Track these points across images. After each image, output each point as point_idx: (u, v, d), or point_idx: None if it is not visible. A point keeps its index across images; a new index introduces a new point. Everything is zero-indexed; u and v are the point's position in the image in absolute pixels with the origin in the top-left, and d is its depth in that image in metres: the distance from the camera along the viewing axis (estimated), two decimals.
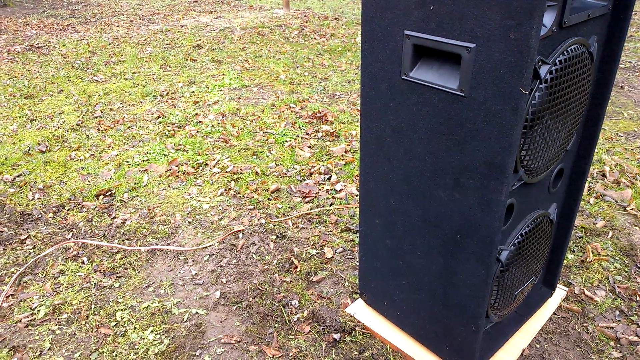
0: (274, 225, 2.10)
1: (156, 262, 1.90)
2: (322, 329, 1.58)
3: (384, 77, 1.21)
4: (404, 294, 1.46)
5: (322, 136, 2.98)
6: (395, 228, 1.38)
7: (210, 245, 1.98)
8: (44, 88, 3.93)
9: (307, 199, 2.30)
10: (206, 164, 2.64)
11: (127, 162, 2.68)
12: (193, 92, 3.81)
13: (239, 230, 2.06)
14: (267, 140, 2.94)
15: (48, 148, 2.87)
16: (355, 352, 1.49)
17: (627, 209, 2.19)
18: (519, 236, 1.29)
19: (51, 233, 2.09)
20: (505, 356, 1.47)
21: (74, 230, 2.11)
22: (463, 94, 1.04)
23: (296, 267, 1.86)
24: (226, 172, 2.56)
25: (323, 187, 2.40)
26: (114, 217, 2.18)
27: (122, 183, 2.45)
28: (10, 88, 3.94)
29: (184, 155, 2.74)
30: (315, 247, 1.97)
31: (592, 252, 1.93)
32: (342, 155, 2.73)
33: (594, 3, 1.15)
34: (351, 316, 1.62)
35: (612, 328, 1.59)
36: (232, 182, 2.44)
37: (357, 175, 2.51)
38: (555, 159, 1.27)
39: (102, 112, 3.44)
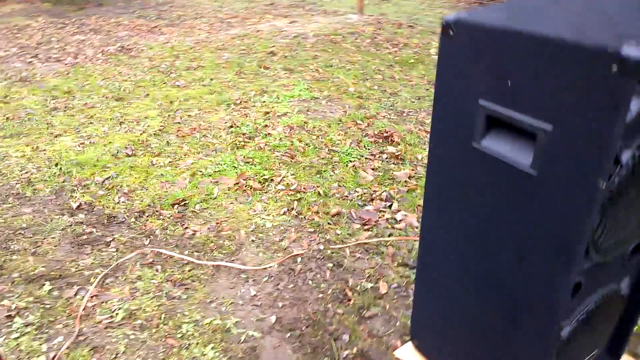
0: (332, 252, 2.17)
1: (220, 278, 2.03)
2: None
3: (454, 141, 1.23)
4: (456, 348, 1.48)
5: (386, 158, 3.01)
6: (453, 284, 1.40)
7: (270, 267, 2.09)
8: (132, 91, 4.25)
9: (366, 227, 2.35)
10: (272, 180, 2.76)
11: (201, 172, 2.86)
12: (264, 101, 3.96)
13: (298, 254, 2.15)
14: (331, 158, 3.01)
15: (133, 152, 3.12)
16: None
17: None
18: (585, 313, 1.27)
19: (132, 238, 2.29)
20: None
21: (151, 237, 2.30)
22: (535, 174, 1.04)
23: (350, 300, 1.92)
24: (290, 189, 2.66)
25: (383, 215, 2.43)
26: (186, 228, 2.35)
27: (195, 194, 2.63)
28: (104, 89, 4.30)
29: (252, 168, 2.88)
30: (371, 281, 2.01)
31: None
32: (405, 182, 2.74)
33: None
34: None
35: None
36: (295, 202, 2.54)
37: (418, 205, 2.52)
38: (632, 238, 1.23)
39: (181, 118, 3.67)
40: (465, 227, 1.29)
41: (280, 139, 3.29)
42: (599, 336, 1.43)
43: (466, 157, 1.21)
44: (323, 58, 5.10)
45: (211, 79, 4.53)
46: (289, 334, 1.76)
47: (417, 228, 2.36)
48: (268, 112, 3.74)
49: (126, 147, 3.20)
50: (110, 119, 3.69)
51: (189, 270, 2.07)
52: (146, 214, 2.48)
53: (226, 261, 2.12)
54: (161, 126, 3.54)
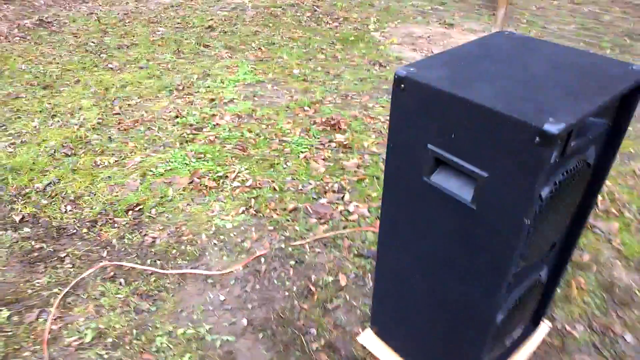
0: (293, 250, 2.31)
1: (187, 285, 2.11)
2: (338, 358, 1.82)
3: (405, 176, 1.37)
4: (412, 337, 1.69)
5: (335, 147, 3.14)
6: (408, 289, 1.59)
7: (235, 270, 2.19)
8: (61, 76, 4.01)
9: (322, 221, 2.50)
10: (226, 177, 2.81)
11: (151, 171, 2.84)
12: (208, 87, 3.91)
13: (262, 255, 2.27)
14: (283, 149, 3.09)
15: (73, 151, 3.02)
16: None
17: (612, 242, 2.40)
18: (515, 301, 1.50)
19: (88, 250, 2.29)
20: None
21: (108, 248, 2.31)
22: (474, 208, 1.22)
23: (314, 294, 2.08)
24: (246, 186, 2.73)
25: (337, 208, 2.59)
26: (145, 235, 2.38)
27: (148, 197, 2.64)
28: (27, 75, 4.02)
29: (204, 165, 2.90)
30: (331, 274, 2.18)
31: (577, 287, 2.15)
32: (354, 171, 2.90)
33: (595, 122, 1.30)
34: (363, 347, 1.85)
35: None
36: (252, 200, 2.62)
37: (368, 195, 2.70)
38: (550, 242, 1.46)
39: (120, 108, 3.56)
40: (415, 248, 1.47)
41: (230, 129, 3.30)
42: (525, 314, 1.70)
43: (417, 189, 1.36)
44: (264, 34, 5.03)
45: (148, 60, 4.36)
46: (261, 335, 1.90)
47: (368, 218, 2.54)
48: (214, 99, 3.71)
49: (63, 146, 3.08)
50: (40, 111, 3.50)
51: (154, 281, 2.13)
52: (99, 223, 2.47)
53: (191, 268, 2.20)
54: (99, 119, 3.42)
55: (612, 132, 1.38)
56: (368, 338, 1.88)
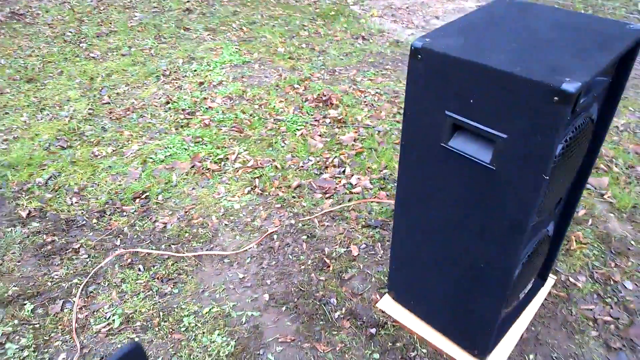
0: (303, 225, 2.37)
1: (204, 267, 2.16)
2: (360, 324, 1.91)
3: (423, 142, 1.44)
4: (430, 297, 1.78)
5: (330, 123, 3.18)
6: (426, 252, 1.67)
7: (250, 248, 2.25)
8: (43, 69, 3.92)
9: (327, 195, 2.56)
10: (227, 159, 2.84)
11: (151, 158, 2.85)
12: (195, 70, 3.88)
13: (273, 232, 2.33)
14: (279, 128, 3.12)
15: (68, 144, 3.00)
16: (390, 344, 1.84)
17: (604, 196, 2.53)
18: (527, 257, 1.60)
19: (101, 240, 2.31)
20: (509, 341, 1.83)
21: (120, 236, 2.33)
22: (494, 168, 1.29)
23: (329, 266, 2.16)
24: (247, 167, 2.77)
25: (340, 182, 2.65)
26: (155, 221, 2.41)
27: (153, 183, 2.65)
28: (8, 69, 3.92)
29: (204, 149, 2.92)
30: (343, 246, 2.26)
31: (575, 241, 2.28)
32: (352, 145, 2.95)
33: (599, 81, 1.38)
34: (382, 311, 1.95)
35: (591, 310, 1.97)
36: (256, 180, 2.66)
37: (368, 168, 2.76)
38: (558, 197, 1.55)
39: (109, 97, 3.52)
40: (434, 211, 1.54)
41: (223, 112, 3.31)
42: (534, 268, 1.81)
43: (435, 154, 1.43)
44: (244, 14, 4.97)
45: (129, 47, 4.29)
46: (284, 308, 1.97)
47: (371, 190, 2.61)
48: (202, 83, 3.69)
49: (57, 139, 3.05)
50: (27, 105, 3.44)
51: (172, 265, 2.17)
52: (107, 213, 2.48)
53: (206, 250, 2.25)
54: (89, 109, 3.38)
55: (612, 89, 1.46)
56: (387, 303, 1.97)
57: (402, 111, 3.31)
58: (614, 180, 2.64)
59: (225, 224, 2.38)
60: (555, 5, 5.16)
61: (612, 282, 2.08)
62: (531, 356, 1.80)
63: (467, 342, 1.75)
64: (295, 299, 2.01)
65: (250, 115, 3.27)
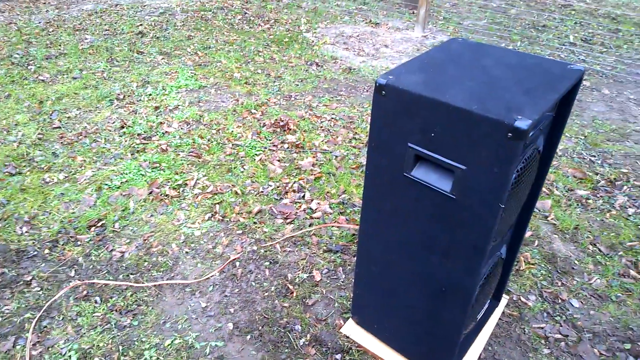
0: (265, 251, 2.38)
1: (165, 297, 2.12)
2: (325, 350, 1.92)
3: (387, 171, 1.51)
4: (394, 321, 1.84)
5: (288, 148, 3.23)
6: (390, 275, 1.73)
7: (212, 276, 2.22)
8: None
9: (288, 220, 2.59)
10: (186, 184, 2.81)
11: (107, 185, 2.77)
12: (150, 94, 3.82)
13: (235, 259, 2.32)
14: (237, 153, 3.13)
15: (17, 170, 2.86)
16: None
17: (548, 218, 2.72)
18: (484, 278, 1.70)
19: (54, 272, 2.21)
20: None
21: (75, 267, 2.24)
22: (454, 197, 1.38)
23: (292, 292, 2.17)
24: (207, 192, 2.75)
25: (300, 207, 2.69)
26: (112, 250, 2.33)
27: (109, 211, 2.57)
28: None
29: (161, 174, 2.87)
30: (305, 271, 2.28)
31: (524, 262, 2.43)
32: (310, 170, 3.01)
33: (545, 116, 1.51)
34: (347, 337, 1.98)
35: (542, 328, 2.09)
36: (217, 205, 2.65)
37: (327, 192, 2.82)
38: (510, 224, 1.67)
39: (60, 121, 3.40)
40: (399, 234, 1.61)
41: (180, 136, 3.28)
42: (490, 290, 1.91)
43: (399, 183, 1.50)
44: (198, 38, 4.98)
45: (80, 70, 4.17)
46: (249, 336, 1.96)
47: (331, 214, 2.66)
48: (158, 107, 3.64)
49: (5, 165, 2.91)
50: None
51: (131, 295, 2.11)
52: (60, 243, 2.38)
53: (167, 279, 2.20)
54: (39, 134, 3.24)
55: (555, 123, 1.60)
56: (351, 328, 2.01)
57: (357, 136, 3.41)
58: (555, 202, 2.84)
59: (186, 252, 2.35)
60: (495, 37, 5.53)
61: (560, 301, 2.22)
62: None
63: None
64: (260, 327, 2.00)
65: (208, 140, 3.26)
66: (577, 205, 2.83)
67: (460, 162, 1.32)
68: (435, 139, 1.34)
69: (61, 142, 3.15)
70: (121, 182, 2.79)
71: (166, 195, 2.70)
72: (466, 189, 1.34)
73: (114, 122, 3.41)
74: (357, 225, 2.57)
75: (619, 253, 2.48)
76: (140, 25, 5.21)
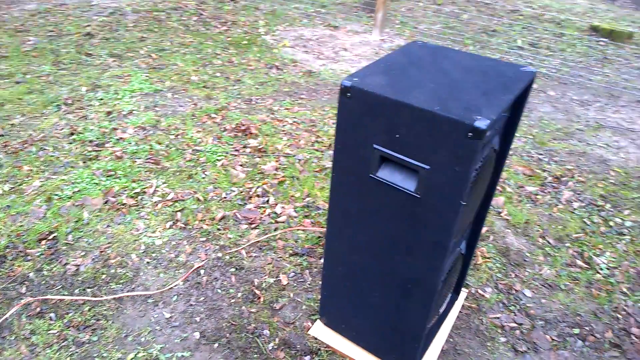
0: (230, 257, 2.34)
1: (126, 309, 2.04)
2: (294, 353, 1.92)
3: (353, 172, 1.52)
4: (361, 320, 1.86)
5: (250, 152, 3.19)
6: (357, 275, 1.75)
7: (175, 285, 2.17)
8: None
9: (253, 225, 2.56)
10: (144, 192, 2.72)
11: (57, 195, 2.64)
12: (101, 99, 3.69)
13: (200, 267, 2.27)
14: (198, 159, 3.07)
15: None
16: None
17: (501, 214, 2.83)
18: (445, 274, 1.75)
19: (3, 289, 2.08)
20: (432, 354, 1.96)
21: (26, 283, 2.12)
22: (418, 196, 1.41)
23: (259, 298, 2.15)
24: (167, 200, 2.68)
25: (265, 211, 2.67)
26: (66, 264, 2.23)
27: (61, 223, 2.45)
28: None
29: (117, 182, 2.77)
30: (272, 276, 2.27)
31: (481, 256, 2.51)
32: (274, 174, 2.99)
33: (501, 116, 1.58)
34: (315, 338, 1.98)
35: (498, 318, 2.17)
36: (178, 213, 2.58)
37: (292, 196, 2.81)
38: (470, 220, 1.72)
39: (3, 129, 3.21)
40: (365, 234, 1.63)
41: (136, 143, 3.18)
42: (451, 284, 1.97)
43: (364, 184, 1.52)
44: (152, 40, 4.84)
45: (24, 74, 3.96)
46: (216, 344, 1.92)
47: (296, 218, 2.66)
48: (111, 112, 3.51)
49: None
50: None
51: (89, 310, 2.02)
52: (9, 258, 2.24)
53: (127, 291, 2.12)
54: None
55: (509, 123, 1.67)
56: (319, 329, 2.01)
57: (320, 139, 3.43)
58: (508, 199, 2.97)
59: (147, 262, 2.28)
60: (449, 41, 5.71)
61: (513, 291, 2.32)
62: None
63: (396, 358, 1.84)
64: (227, 334, 1.97)
65: (167, 146, 3.18)
66: (527, 200, 2.97)
67: (423, 162, 1.35)
68: (400, 140, 1.37)
69: (5, 151, 2.98)
70: (73, 192, 2.67)
71: (123, 204, 2.61)
72: (430, 188, 1.37)
73: (62, 129, 3.26)
74: (322, 227, 2.58)
75: (566, 244, 2.62)
76: (88, 26, 5.01)
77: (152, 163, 2.98)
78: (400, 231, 1.52)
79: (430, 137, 1.30)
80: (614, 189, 3.15)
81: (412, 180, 1.43)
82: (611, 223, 2.81)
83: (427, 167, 1.35)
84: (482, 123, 1.20)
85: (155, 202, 2.65)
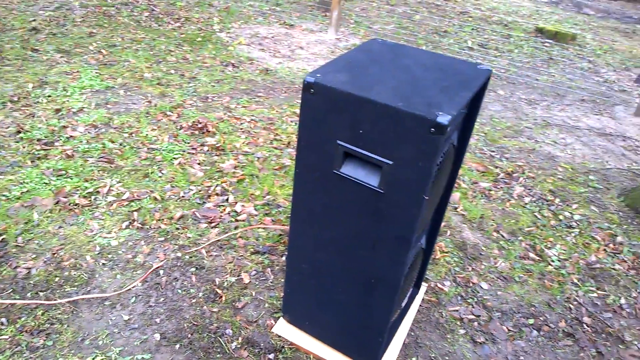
0: (190, 257, 2.30)
1: (82, 313, 1.96)
2: (258, 351, 1.91)
3: (317, 168, 1.54)
4: (325, 316, 1.87)
5: (208, 150, 3.14)
6: (320, 272, 1.76)
7: (133, 287, 2.10)
8: None
9: (212, 224, 2.52)
10: (97, 192, 2.62)
11: (4, 195, 2.50)
12: (49, 96, 3.52)
13: (159, 267, 2.21)
14: (154, 158, 2.99)
15: None
16: None
17: (457, 209, 2.93)
18: (407, 269, 1.79)
19: None
20: (394, 348, 2.01)
21: None
22: (382, 191, 1.44)
23: (221, 297, 2.12)
24: (123, 199, 2.59)
25: (225, 210, 2.63)
26: (16, 267, 2.11)
27: (9, 225, 2.32)
28: None
29: (69, 182, 2.65)
30: (233, 275, 2.24)
31: (439, 250, 2.60)
32: (233, 172, 2.96)
33: (460, 113, 1.63)
34: (279, 336, 1.98)
35: (457, 311, 2.25)
36: (135, 213, 2.51)
37: (252, 194, 2.79)
38: (431, 215, 1.78)
39: None
40: (329, 230, 1.64)
41: (88, 141, 3.05)
42: (412, 278, 2.02)
43: (328, 180, 1.54)
44: (102, 36, 4.66)
45: None
46: (177, 345, 1.88)
47: (256, 216, 2.64)
48: (59, 110, 3.36)
49: None
50: None
51: (43, 314, 1.93)
52: None
53: (82, 293, 2.04)
54: None
55: (467, 119, 1.74)
56: (282, 327, 2.01)
57: (278, 137, 3.42)
58: (463, 195, 3.08)
59: (103, 263, 2.20)
60: (402, 41, 5.84)
61: (471, 284, 2.41)
62: (414, 359, 1.99)
63: (360, 353, 1.87)
64: (189, 335, 1.93)
65: (120, 144, 3.07)
66: (482, 196, 3.09)
67: (387, 158, 1.38)
68: (363, 136, 1.40)
69: None
70: (21, 192, 2.54)
71: (76, 205, 2.51)
72: (393, 183, 1.41)
73: (8, 127, 3.09)
74: (283, 225, 2.58)
75: (519, 238, 2.75)
76: (34, 20, 4.76)
77: (106, 162, 2.87)
78: (364, 227, 1.54)
79: (393, 133, 1.34)
80: (562, 184, 3.33)
81: (376, 176, 1.46)
82: (560, 217, 2.98)
83: (390, 162, 1.38)
84: (444, 118, 1.25)
85: (109, 201, 2.56)
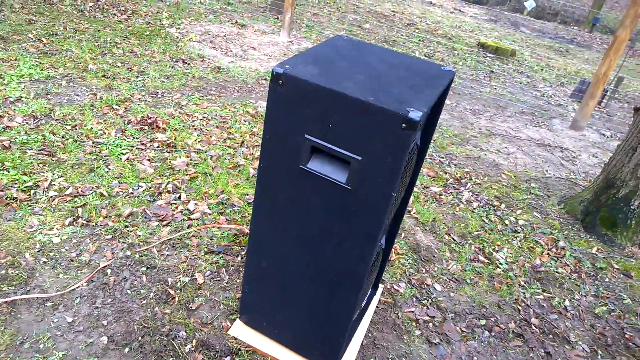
0: (140, 256, 2.18)
1: (20, 314, 1.80)
2: (213, 354, 1.84)
3: (283, 163, 1.50)
4: (284, 317, 1.84)
5: (158, 147, 3.02)
6: (282, 269, 1.73)
7: (78, 287, 1.96)
8: None
9: (164, 222, 2.42)
10: (37, 186, 2.44)
11: None
12: None
13: (106, 266, 2.08)
14: (100, 152, 2.82)
15: None
16: None
17: (411, 213, 3.00)
18: (370, 266, 1.80)
19: None
20: (353, 350, 2.00)
21: None
22: (349, 187, 1.44)
23: (174, 298, 2.03)
24: (66, 195, 2.42)
25: (177, 208, 2.53)
26: None
27: None
28: None
29: (5, 175, 2.44)
30: (187, 275, 2.15)
31: (394, 252, 2.63)
32: (185, 170, 2.86)
33: (424, 114, 1.67)
34: (235, 338, 1.92)
35: (413, 312, 2.29)
36: (79, 209, 2.35)
37: (205, 193, 2.71)
38: (393, 215, 1.80)
39: None
40: (294, 226, 1.61)
41: (27, 132, 2.83)
42: (372, 279, 2.03)
43: (294, 175, 1.51)
44: (42, 24, 4.37)
45: None
46: (127, 349, 1.77)
47: (210, 215, 2.56)
48: None
49: None
50: None
51: None
52: None
53: (21, 293, 1.87)
54: None
55: (429, 120, 1.78)
56: (239, 329, 1.95)
57: (232, 136, 3.35)
58: (416, 198, 3.15)
59: (44, 262, 2.04)
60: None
61: (425, 286, 2.46)
62: None
63: (319, 355, 1.85)
64: (139, 338, 1.83)
65: (63, 137, 2.88)
66: (433, 200, 3.18)
67: (356, 153, 1.38)
68: (333, 130, 1.38)
69: None
70: None
71: (13, 199, 2.31)
72: (361, 179, 1.40)
73: None
74: (238, 225, 2.52)
75: (469, 241, 2.85)
76: None
77: (46, 155, 2.68)
78: (331, 223, 1.53)
79: (363, 128, 1.33)
80: (506, 190, 3.50)
81: (343, 172, 1.45)
82: (506, 221, 3.12)
83: (360, 158, 1.38)
84: (415, 115, 1.26)
85: (51, 196, 2.39)
